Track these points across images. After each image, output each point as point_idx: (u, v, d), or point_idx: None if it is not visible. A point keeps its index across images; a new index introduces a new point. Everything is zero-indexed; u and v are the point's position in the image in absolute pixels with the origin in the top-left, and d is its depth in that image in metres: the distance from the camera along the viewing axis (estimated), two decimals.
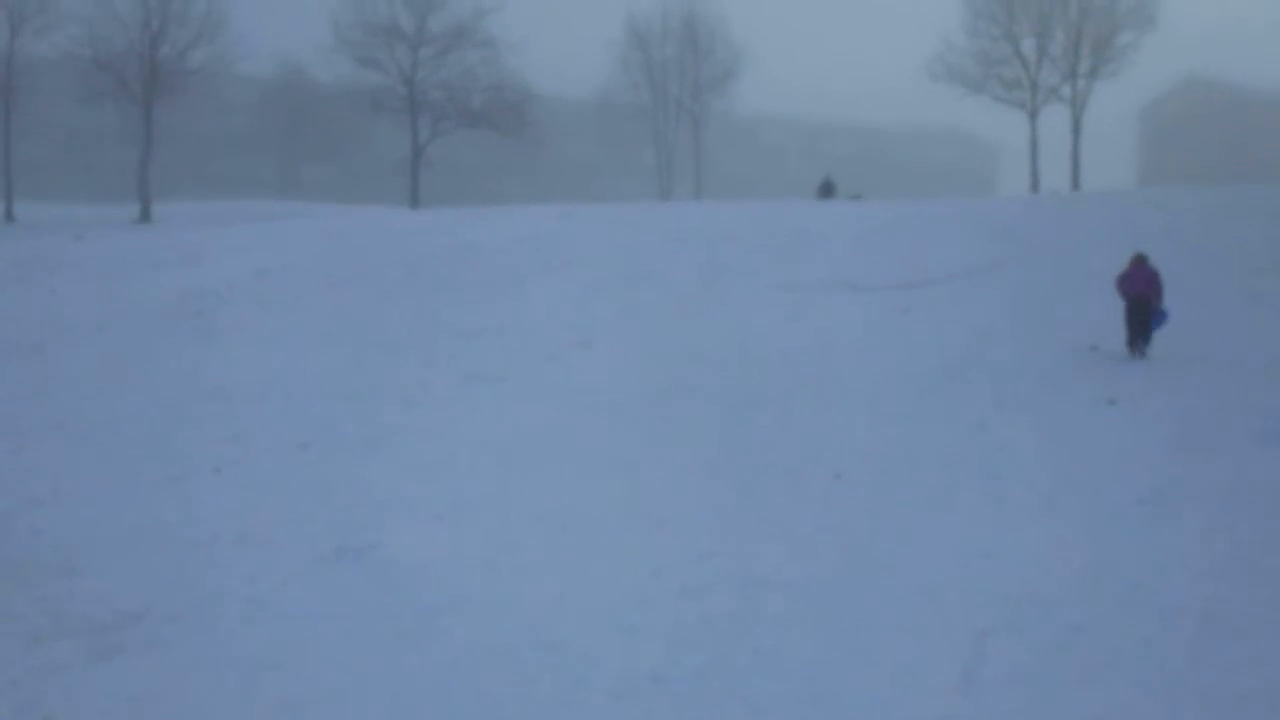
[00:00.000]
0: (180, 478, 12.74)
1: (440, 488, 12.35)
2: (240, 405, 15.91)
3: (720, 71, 71.77)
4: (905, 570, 9.59)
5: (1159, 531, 10.65)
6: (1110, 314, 20.39)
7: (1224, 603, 8.77)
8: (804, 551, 10.17)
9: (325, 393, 16.69)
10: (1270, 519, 11.07)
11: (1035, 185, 54.76)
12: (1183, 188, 44.02)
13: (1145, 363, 18.03)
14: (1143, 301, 18.44)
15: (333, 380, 17.43)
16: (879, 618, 8.58)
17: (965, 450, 13.59)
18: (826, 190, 47.09)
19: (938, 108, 67.80)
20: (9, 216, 52.40)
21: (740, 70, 72.06)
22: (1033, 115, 55.34)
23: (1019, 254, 27.11)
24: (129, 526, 11.12)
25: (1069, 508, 11.41)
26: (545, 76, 62.85)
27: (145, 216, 52.89)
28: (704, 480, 12.57)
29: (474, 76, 58.60)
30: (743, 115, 79.70)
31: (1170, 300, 18.61)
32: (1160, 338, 18.50)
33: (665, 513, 11.41)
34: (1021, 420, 14.90)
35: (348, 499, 11.95)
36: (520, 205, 46.98)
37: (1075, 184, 54.04)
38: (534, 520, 11.24)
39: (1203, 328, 19.29)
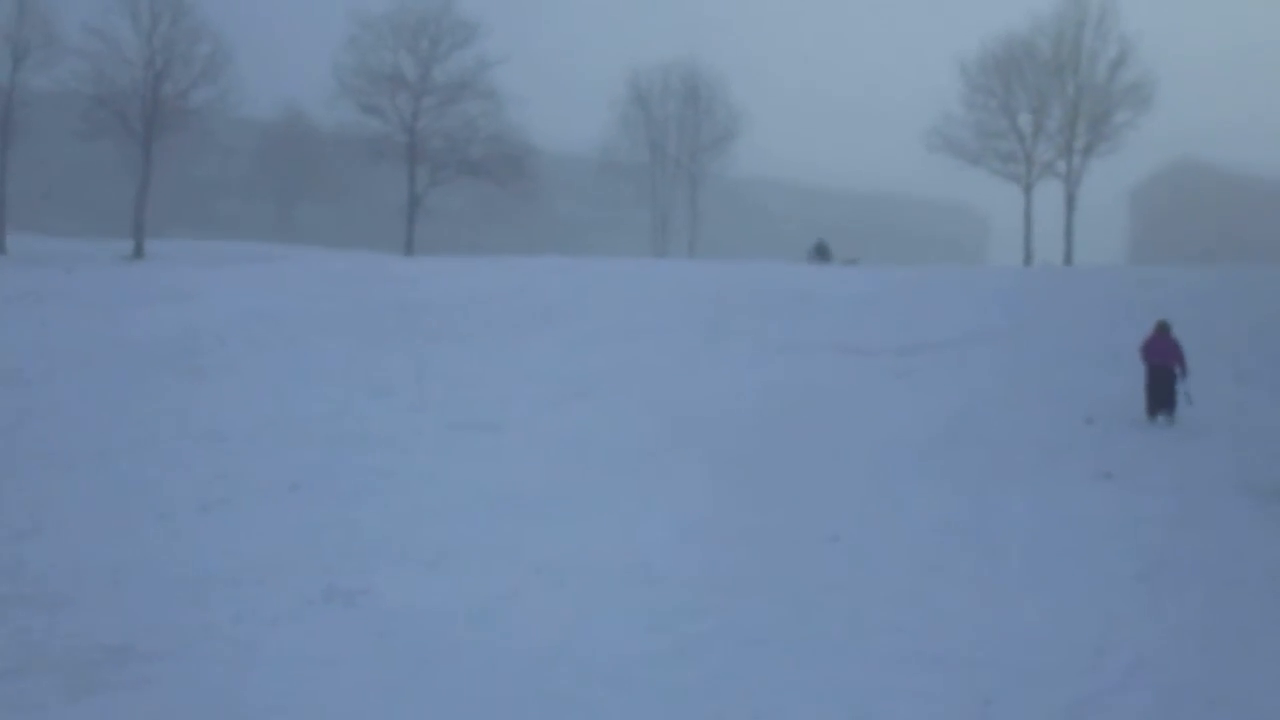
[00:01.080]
0: (168, 514, 12.51)
1: (433, 535, 12.14)
2: (231, 444, 15.71)
3: (719, 132, 72.36)
4: (907, 635, 9.40)
5: (1159, 606, 10.50)
6: (1104, 387, 20.51)
7: (1229, 680, 8.62)
8: (803, 612, 9.99)
9: (317, 435, 16.52)
10: (1268, 595, 10.95)
11: (1028, 258, 55.09)
12: (1172, 267, 44.36)
13: (1139, 437, 17.99)
14: (1164, 370, 18.84)
15: (325, 423, 17.27)
16: (882, 682, 8.38)
17: (963, 517, 13.46)
18: (820, 253, 47.20)
19: (932, 178, 68.43)
20: (1, 249, 52.24)
21: (738, 131, 72.70)
22: (1028, 189, 55.83)
23: (1015, 324, 27.20)
24: (114, 561, 10.88)
25: (1068, 579, 11.26)
26: (545, 131, 63.33)
27: (138, 253, 52.82)
28: (700, 537, 12.39)
29: (475, 127, 58.96)
30: (738, 177, 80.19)
31: None
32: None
33: (661, 568, 11.22)
34: (1018, 490, 14.78)
35: (338, 542, 11.73)
36: (513, 257, 47.08)
37: (1068, 258, 54.38)
38: (529, 571, 11.03)
39: (1197, 408, 19.29)
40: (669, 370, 21.77)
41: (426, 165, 58.61)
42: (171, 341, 23.02)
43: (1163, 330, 19.35)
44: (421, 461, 15.48)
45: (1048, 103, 55.36)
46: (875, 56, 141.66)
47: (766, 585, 10.73)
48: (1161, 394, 18.85)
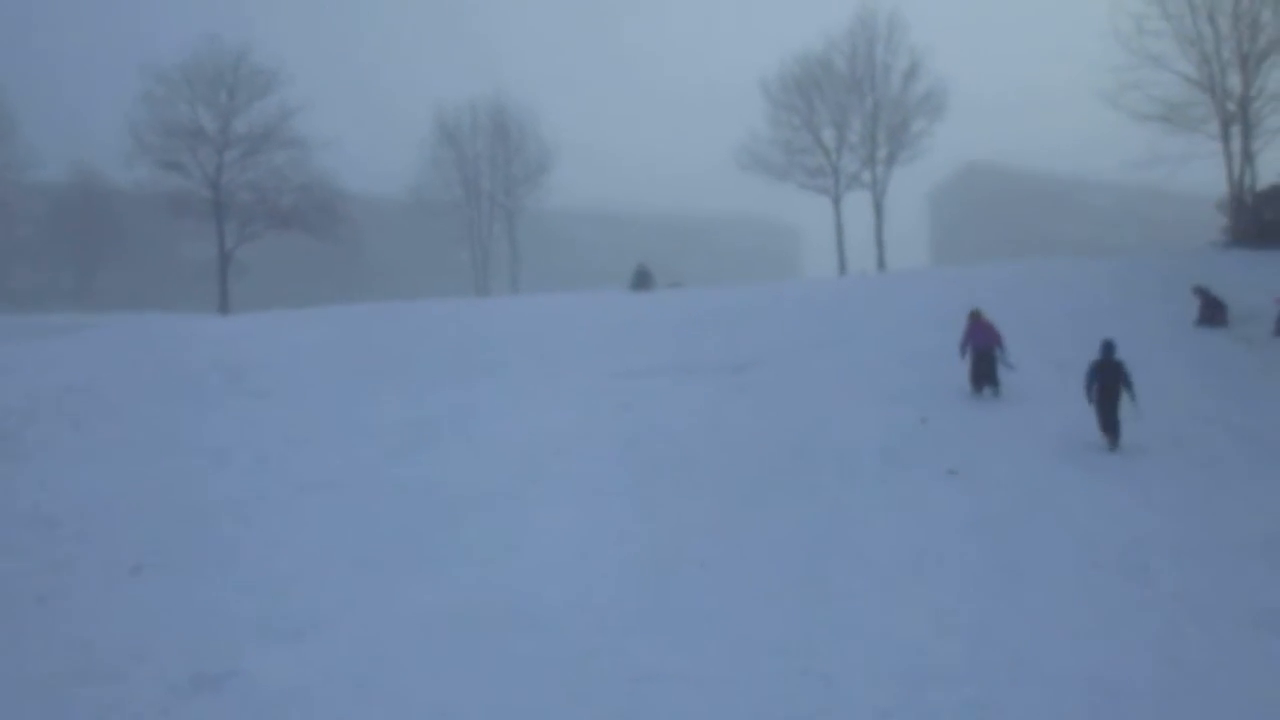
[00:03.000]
0: (3, 612, 11.68)
1: (294, 604, 11.67)
2: (61, 529, 14.78)
3: (532, 167, 72.51)
4: (791, 654, 9.47)
5: (1026, 597, 10.87)
6: (931, 384, 21.33)
7: (1107, 665, 8.95)
8: (686, 642, 9.96)
9: (153, 510, 15.69)
10: (1121, 575, 11.47)
11: (843, 267, 56.78)
12: (978, 265, 46.40)
13: (974, 431, 18.62)
14: (986, 352, 20.70)
15: (160, 496, 16.42)
16: (777, 706, 8.42)
17: (824, 529, 13.67)
18: (642, 279, 47.46)
19: (747, 198, 70.09)
20: None
21: (551, 165, 72.95)
22: (837, 200, 57.59)
23: (840, 332, 27.91)
24: None
25: (935, 580, 11.57)
26: (356, 176, 62.22)
27: None
28: (568, 575, 12.23)
29: (282, 177, 57.41)
30: (554, 210, 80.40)
31: None
32: (988, 405, 19.40)
33: (534, 612, 11.05)
34: (871, 495, 15.11)
35: (194, 623, 11.15)
36: (335, 306, 45.97)
37: (881, 264, 56.30)
38: (398, 630, 10.70)
39: (1021, 397, 20.18)
40: (510, 409, 21.53)
41: (235, 219, 56.78)
42: None
43: (976, 317, 21.21)
44: (269, 527, 14.88)
45: (848, 116, 57.34)
46: (683, 83, 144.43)
47: (646, 619, 10.68)
48: (986, 372, 20.68)
